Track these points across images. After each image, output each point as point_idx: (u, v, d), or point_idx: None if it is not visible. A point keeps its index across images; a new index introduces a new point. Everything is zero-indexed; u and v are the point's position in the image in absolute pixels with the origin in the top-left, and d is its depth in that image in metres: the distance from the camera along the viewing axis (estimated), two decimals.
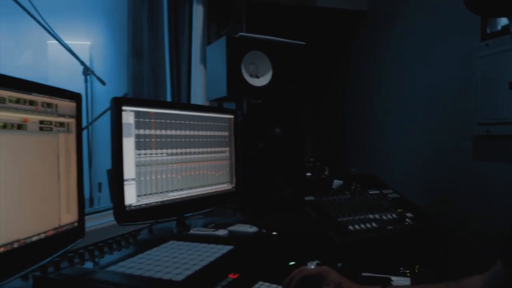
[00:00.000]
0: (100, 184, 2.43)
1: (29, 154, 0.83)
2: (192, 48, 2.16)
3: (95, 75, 2.39)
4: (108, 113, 2.08)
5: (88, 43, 3.17)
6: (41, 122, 0.86)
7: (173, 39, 2.16)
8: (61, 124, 0.93)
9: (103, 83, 2.40)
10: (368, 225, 1.60)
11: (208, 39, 2.20)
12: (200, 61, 2.15)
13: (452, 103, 1.93)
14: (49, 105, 0.89)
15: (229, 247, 1.09)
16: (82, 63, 2.29)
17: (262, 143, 1.61)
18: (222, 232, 1.23)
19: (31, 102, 0.84)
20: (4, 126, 0.76)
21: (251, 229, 1.29)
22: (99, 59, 3.16)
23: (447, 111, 1.96)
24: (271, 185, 1.63)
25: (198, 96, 2.12)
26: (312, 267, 1.10)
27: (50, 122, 0.89)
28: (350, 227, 1.56)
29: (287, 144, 1.68)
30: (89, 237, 1.08)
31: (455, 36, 1.90)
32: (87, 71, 2.39)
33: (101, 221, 1.51)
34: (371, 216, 1.68)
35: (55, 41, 2.08)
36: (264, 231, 1.31)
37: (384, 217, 1.70)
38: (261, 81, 1.67)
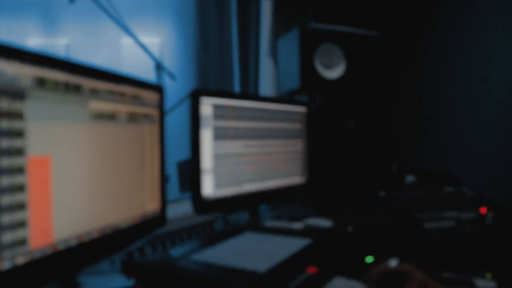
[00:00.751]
0: (167, 176, 2.51)
1: (119, 143, 0.86)
2: (260, 41, 2.16)
3: (166, 70, 2.46)
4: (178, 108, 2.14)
5: (158, 40, 3.28)
6: (130, 113, 0.90)
7: (241, 33, 2.18)
8: (146, 116, 0.96)
9: (173, 78, 2.46)
10: (445, 224, 1.52)
11: (276, 32, 2.19)
12: (268, 54, 2.15)
13: None
14: (136, 96, 0.92)
15: (308, 241, 1.07)
16: (154, 59, 2.37)
17: (335, 136, 1.57)
18: (297, 225, 1.22)
19: (121, 94, 0.87)
20: (98, 117, 0.80)
21: (326, 223, 1.26)
22: (169, 56, 3.27)
23: None
24: (342, 179, 1.59)
25: (266, 89, 2.13)
26: (393, 264, 1.06)
27: (137, 113, 0.92)
28: (426, 225, 1.49)
29: (359, 138, 1.64)
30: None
31: None
32: (159, 67, 2.47)
33: (176, 211, 1.55)
34: (448, 214, 1.59)
35: (128, 40, 2.16)
36: (339, 225, 1.28)
37: (462, 215, 1.60)
38: (334, 73, 1.64)
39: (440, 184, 1.83)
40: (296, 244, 1.04)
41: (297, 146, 1.52)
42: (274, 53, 2.14)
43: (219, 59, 2.34)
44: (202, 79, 2.44)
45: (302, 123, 1.53)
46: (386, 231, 1.43)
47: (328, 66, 1.66)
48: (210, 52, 2.36)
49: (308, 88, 1.59)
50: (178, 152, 1.89)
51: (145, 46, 2.22)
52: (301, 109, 1.53)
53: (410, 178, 1.82)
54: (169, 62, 3.13)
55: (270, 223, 1.26)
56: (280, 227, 1.22)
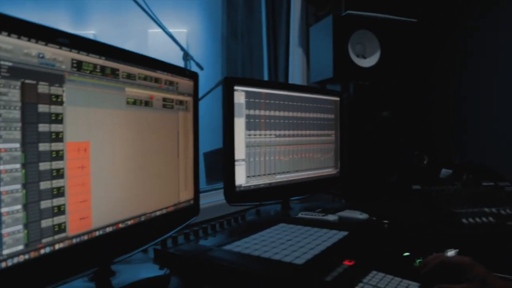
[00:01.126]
0: None
1: (154, 130, 0.85)
2: (290, 30, 2.11)
3: (193, 60, 2.44)
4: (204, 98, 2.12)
5: (185, 30, 3.28)
6: (164, 99, 0.88)
7: (271, 21, 2.14)
8: (181, 102, 0.94)
9: (201, 68, 2.44)
10: (484, 219, 1.46)
11: (306, 21, 2.14)
12: (299, 43, 2.10)
13: None
14: (171, 83, 0.90)
15: (344, 233, 1.04)
16: (182, 48, 2.35)
17: (369, 127, 1.53)
18: (332, 217, 1.19)
19: (156, 80, 0.85)
20: (134, 102, 0.78)
21: (361, 215, 1.22)
22: (195, 46, 3.26)
23: None
24: (376, 171, 1.54)
25: (296, 78, 2.08)
26: (451, 254, 0.99)
27: (172, 100, 0.90)
28: (464, 220, 1.43)
29: (394, 129, 1.58)
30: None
31: None
32: (186, 56, 2.45)
33: (206, 201, 1.53)
34: (486, 209, 1.52)
35: (155, 30, 2.15)
36: (374, 218, 1.24)
37: (502, 211, 1.53)
38: (369, 61, 1.59)
39: (478, 178, 1.76)
40: (332, 237, 1.01)
41: (330, 136, 1.48)
42: (304, 42, 2.09)
43: (248, 48, 2.31)
44: (230, 68, 2.42)
45: (335, 113, 1.49)
46: (422, 226, 1.38)
47: (363, 54, 1.61)
48: (239, 41, 2.33)
49: (341, 77, 1.54)
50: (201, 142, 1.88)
51: (173, 35, 2.21)
52: (334, 98, 1.49)
53: (446, 172, 1.76)
54: (195, 52, 3.12)
55: (303, 214, 1.23)
56: (314, 219, 1.19)
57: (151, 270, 0.87)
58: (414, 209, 1.50)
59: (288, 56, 2.10)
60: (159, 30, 2.09)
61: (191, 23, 3.34)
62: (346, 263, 0.95)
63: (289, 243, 0.94)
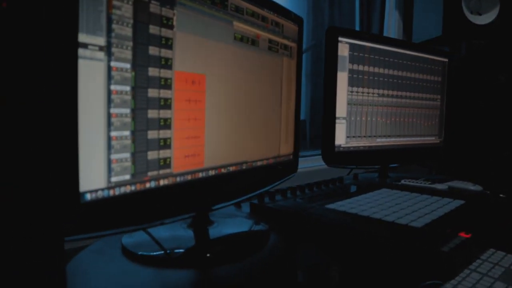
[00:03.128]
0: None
1: (259, 73, 0.78)
2: None
3: None
4: None
5: None
6: (270, 41, 0.81)
7: None
8: (285, 47, 0.87)
9: None
10: None
11: None
12: (396, 5, 1.93)
13: None
14: (277, 24, 0.83)
15: (460, 202, 0.92)
16: None
17: (481, 92, 1.36)
18: (441, 187, 1.07)
19: (263, 18, 0.78)
20: (241, 39, 0.72)
21: (474, 187, 1.09)
22: None
23: None
24: (486, 144, 1.38)
25: None
26: None
27: (277, 43, 0.83)
28: None
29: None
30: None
31: None
32: None
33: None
34: None
35: None
36: (490, 190, 1.09)
37: None
38: (485, 18, 1.40)
39: None
40: (447, 204, 0.90)
41: (436, 101, 1.33)
42: (402, 4, 1.92)
43: (338, 13, 2.18)
44: (317, 35, 2.30)
45: (443, 75, 1.34)
46: None
47: (478, 11, 1.42)
48: (327, 6, 2.20)
49: (452, 35, 1.38)
50: None
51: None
52: (442, 59, 1.33)
53: None
54: None
55: (406, 181, 1.12)
56: (420, 186, 1.07)
57: (248, 224, 0.82)
58: None
59: (383, 20, 1.93)
60: None
61: None
62: (462, 235, 0.84)
63: (399, 207, 0.84)
